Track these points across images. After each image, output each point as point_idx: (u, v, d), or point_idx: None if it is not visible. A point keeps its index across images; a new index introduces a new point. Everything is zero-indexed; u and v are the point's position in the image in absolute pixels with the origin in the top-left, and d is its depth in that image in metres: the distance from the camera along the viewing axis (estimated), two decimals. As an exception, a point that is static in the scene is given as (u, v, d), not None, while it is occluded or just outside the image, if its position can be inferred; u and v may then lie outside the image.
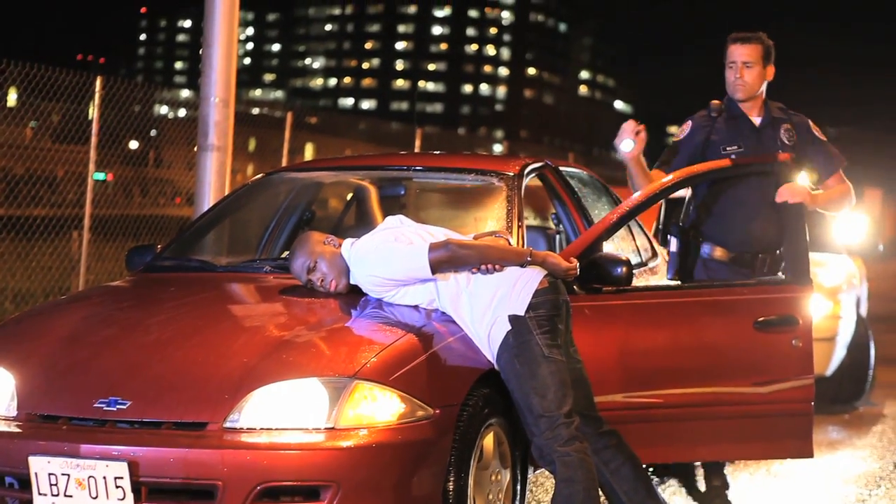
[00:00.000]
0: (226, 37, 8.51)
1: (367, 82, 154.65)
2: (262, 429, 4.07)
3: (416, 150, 16.34)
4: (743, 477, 6.61)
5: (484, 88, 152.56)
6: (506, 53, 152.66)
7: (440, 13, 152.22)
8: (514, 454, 4.64)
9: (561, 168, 5.92)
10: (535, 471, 4.91)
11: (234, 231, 6.73)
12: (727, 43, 5.77)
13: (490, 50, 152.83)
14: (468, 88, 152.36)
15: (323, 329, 4.41)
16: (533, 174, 5.56)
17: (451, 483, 4.28)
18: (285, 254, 5.39)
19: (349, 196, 6.31)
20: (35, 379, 4.31)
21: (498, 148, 47.61)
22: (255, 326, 4.52)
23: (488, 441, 4.51)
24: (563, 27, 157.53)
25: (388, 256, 4.52)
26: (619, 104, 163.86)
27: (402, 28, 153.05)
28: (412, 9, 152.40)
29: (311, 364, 4.18)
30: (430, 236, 4.59)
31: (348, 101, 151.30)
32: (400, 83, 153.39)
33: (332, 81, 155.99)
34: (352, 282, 4.65)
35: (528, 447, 4.65)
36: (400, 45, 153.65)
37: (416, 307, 4.57)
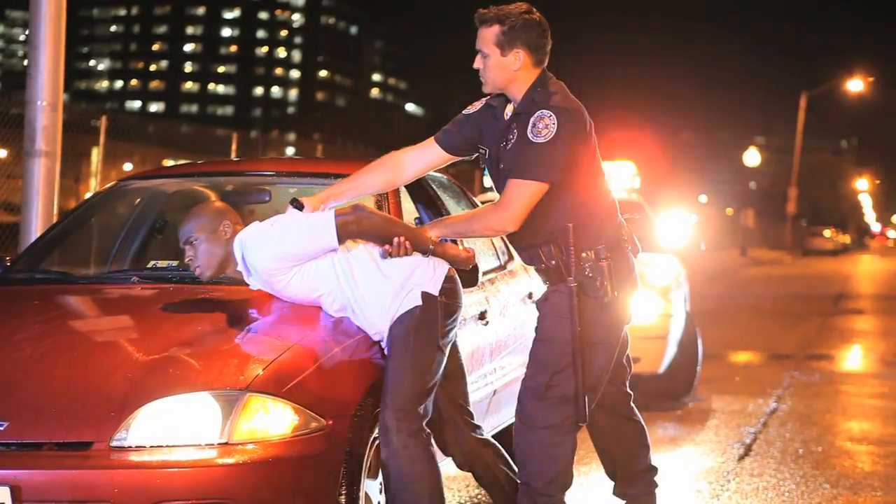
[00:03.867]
0: (53, 39, 8.21)
1: (154, 84, 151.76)
2: (151, 446, 3.91)
3: (233, 154, 16.09)
4: (597, 476, 6.68)
5: (275, 91, 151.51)
6: (297, 56, 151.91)
7: (229, 15, 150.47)
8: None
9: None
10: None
11: (87, 241, 6.49)
12: None
13: (281, 52, 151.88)
14: (259, 91, 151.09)
15: (209, 341, 4.28)
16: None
17: (343, 496, 4.20)
18: (151, 263, 5.22)
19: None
20: None
21: (290, 150, 47.29)
22: (137, 340, 4.35)
23: (376, 452, 4.44)
24: (354, 30, 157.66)
25: (291, 227, 4.37)
26: (410, 107, 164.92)
27: (190, 30, 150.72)
28: (200, 10, 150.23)
29: (200, 377, 4.05)
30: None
31: (135, 104, 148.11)
32: (189, 86, 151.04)
33: (119, 83, 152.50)
34: (239, 268, 4.46)
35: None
36: (188, 47, 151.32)
37: (303, 316, 4.46)
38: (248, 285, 4.60)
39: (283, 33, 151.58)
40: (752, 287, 28.32)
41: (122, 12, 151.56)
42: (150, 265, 5.22)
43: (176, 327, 4.42)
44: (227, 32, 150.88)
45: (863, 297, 26.06)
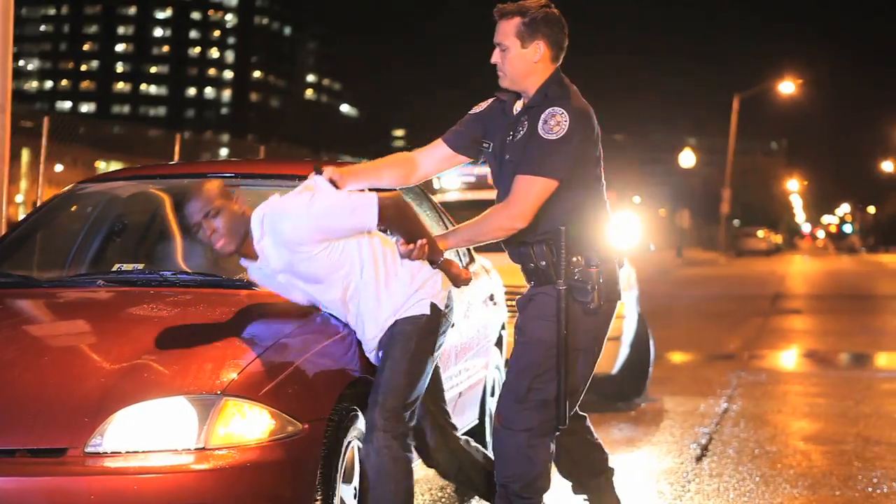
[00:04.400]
0: (1, 40, 8.08)
1: (85, 85, 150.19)
2: (127, 452, 3.86)
3: (177, 156, 15.92)
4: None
5: (209, 92, 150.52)
6: (230, 56, 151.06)
7: (161, 15, 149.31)
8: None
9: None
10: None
11: (45, 245, 6.37)
12: None
13: (214, 53, 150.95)
14: (192, 91, 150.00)
15: (183, 345, 4.21)
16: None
17: (318, 501, 4.16)
18: (116, 266, 5.13)
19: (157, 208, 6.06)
20: None
21: (224, 152, 46.84)
22: (109, 344, 4.27)
23: (350, 456, 4.41)
24: (287, 30, 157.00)
25: (335, 201, 4.31)
26: (345, 108, 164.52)
27: (121, 30, 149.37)
28: (132, 10, 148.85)
29: (175, 382, 3.99)
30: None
31: (66, 105, 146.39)
32: (121, 86, 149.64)
33: (49, 84, 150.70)
34: (256, 245, 4.34)
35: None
36: (120, 47, 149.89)
37: (279, 319, 4.42)
38: (221, 288, 4.55)
39: (216, 34, 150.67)
40: (690, 288, 28.53)
41: (52, 12, 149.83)
42: (115, 268, 5.14)
43: (148, 331, 4.35)
44: (159, 32, 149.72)
45: (799, 297, 26.34)
